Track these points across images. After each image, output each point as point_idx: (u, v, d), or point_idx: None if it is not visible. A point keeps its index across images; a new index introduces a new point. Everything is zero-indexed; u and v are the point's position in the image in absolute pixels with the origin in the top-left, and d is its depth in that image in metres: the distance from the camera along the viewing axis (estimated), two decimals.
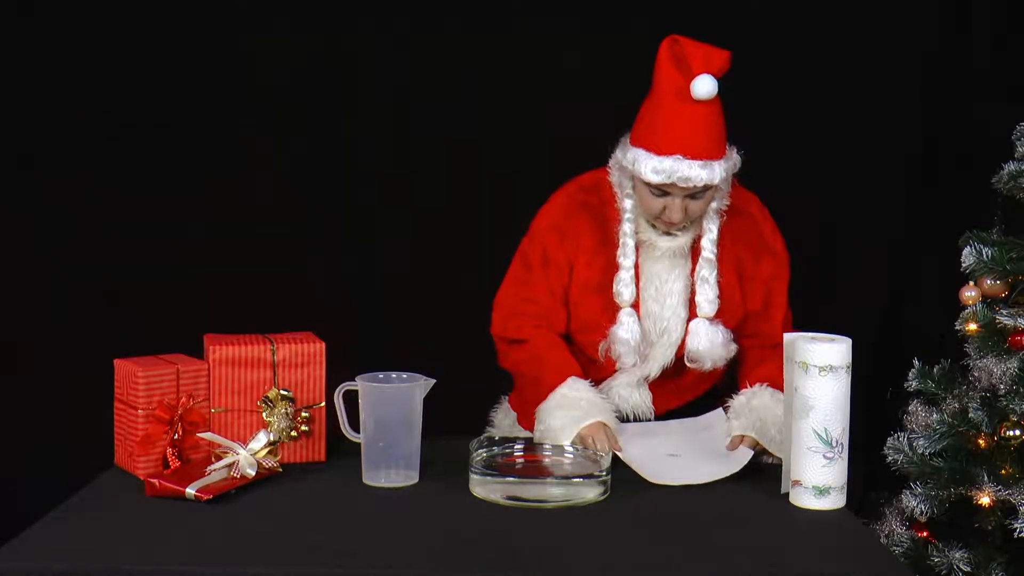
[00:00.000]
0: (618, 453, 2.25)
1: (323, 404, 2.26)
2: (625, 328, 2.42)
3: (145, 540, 1.84)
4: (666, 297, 2.45)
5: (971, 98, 3.50)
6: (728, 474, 2.19)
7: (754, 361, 2.48)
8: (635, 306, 2.44)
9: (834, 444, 2.01)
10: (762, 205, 2.58)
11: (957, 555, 2.76)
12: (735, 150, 2.42)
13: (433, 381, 2.17)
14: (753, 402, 2.35)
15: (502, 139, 3.46)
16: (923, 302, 3.50)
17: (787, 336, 2.11)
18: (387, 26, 3.53)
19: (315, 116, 3.55)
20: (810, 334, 2.08)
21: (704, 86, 2.28)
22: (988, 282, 2.87)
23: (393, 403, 2.12)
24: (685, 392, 2.52)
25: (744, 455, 2.25)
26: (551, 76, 3.42)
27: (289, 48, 3.52)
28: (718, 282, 2.43)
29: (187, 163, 3.54)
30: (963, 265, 2.85)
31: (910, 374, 2.95)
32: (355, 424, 2.16)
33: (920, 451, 2.80)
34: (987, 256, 2.81)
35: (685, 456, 2.30)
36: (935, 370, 2.93)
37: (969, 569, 2.74)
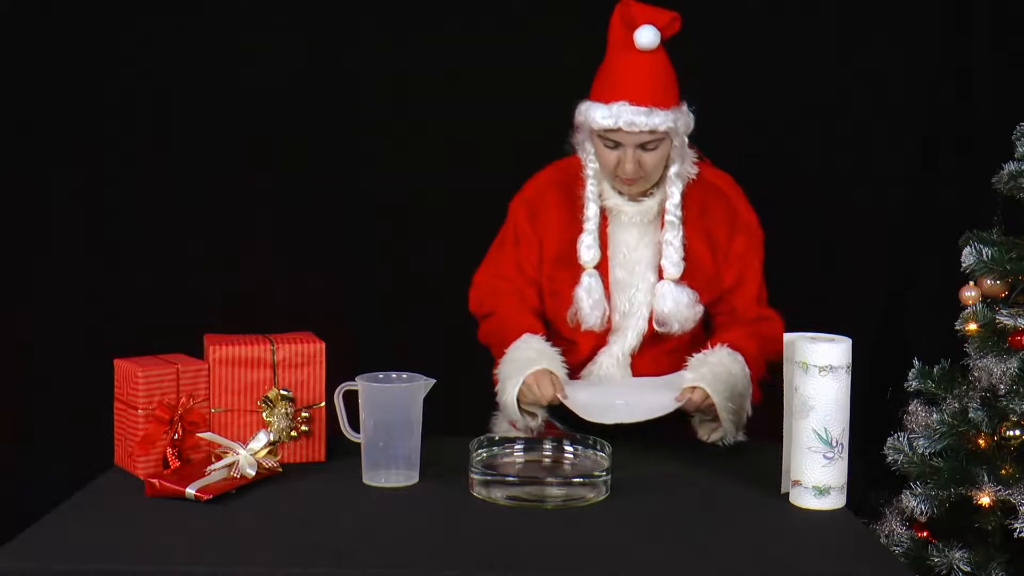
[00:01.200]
0: (561, 399, 2.34)
1: (323, 404, 2.26)
2: (585, 287, 2.48)
3: (145, 540, 1.84)
4: (634, 264, 2.51)
5: (971, 98, 3.50)
6: (660, 414, 2.28)
7: (721, 329, 2.52)
8: (603, 272, 2.50)
9: (834, 444, 2.01)
10: (734, 182, 2.62)
11: (957, 555, 2.76)
12: (687, 107, 2.48)
13: (433, 381, 2.17)
14: (709, 358, 2.39)
15: (502, 139, 3.47)
16: (923, 302, 3.50)
17: (787, 336, 2.11)
18: (387, 26, 3.53)
19: (315, 116, 3.56)
20: (810, 334, 2.07)
21: (646, 35, 2.39)
22: (988, 282, 2.87)
23: (393, 403, 2.12)
24: (666, 370, 2.53)
25: (671, 404, 2.31)
26: (552, 76, 3.42)
27: (289, 48, 3.52)
28: (683, 245, 2.48)
29: (187, 163, 3.54)
30: (963, 265, 2.85)
31: (910, 374, 2.95)
32: (355, 424, 2.16)
33: (920, 451, 2.80)
34: (987, 256, 2.81)
35: (630, 402, 2.36)
36: (935, 370, 2.93)
37: (969, 569, 2.74)
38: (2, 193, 3.50)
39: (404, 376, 2.18)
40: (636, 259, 2.51)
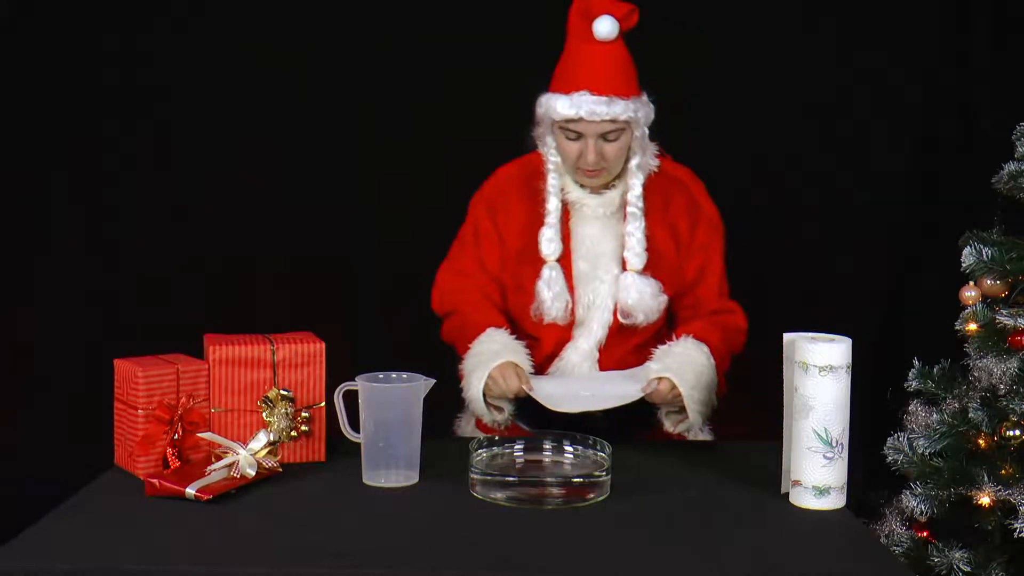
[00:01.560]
0: (527, 390, 2.34)
1: (323, 404, 2.26)
2: (545, 279, 2.48)
3: (145, 540, 1.84)
4: (598, 257, 2.50)
5: (971, 98, 3.51)
6: (627, 401, 2.29)
7: (684, 322, 2.52)
8: (566, 266, 2.50)
9: (834, 444, 2.01)
10: (695, 176, 2.61)
11: (957, 555, 2.76)
12: (647, 98, 2.48)
13: (433, 381, 2.17)
14: (674, 349, 2.39)
15: (503, 139, 3.46)
16: (923, 302, 3.50)
17: (787, 336, 2.11)
18: (387, 26, 3.53)
19: (315, 116, 3.56)
20: (810, 334, 2.07)
21: (604, 25, 2.40)
22: (988, 282, 2.87)
23: (393, 403, 2.12)
24: (633, 365, 2.52)
25: (636, 393, 2.32)
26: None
27: (289, 48, 3.53)
28: (646, 236, 2.48)
29: (187, 163, 3.54)
30: (963, 265, 2.85)
31: (910, 374, 2.95)
32: (355, 424, 2.16)
33: (920, 451, 2.80)
34: (987, 256, 2.81)
35: (595, 392, 2.37)
36: (935, 370, 2.93)
37: (969, 569, 2.74)
38: (2, 193, 3.50)
39: (404, 376, 2.18)
40: (600, 252, 2.51)
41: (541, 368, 2.53)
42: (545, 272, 2.49)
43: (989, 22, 3.48)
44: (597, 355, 2.51)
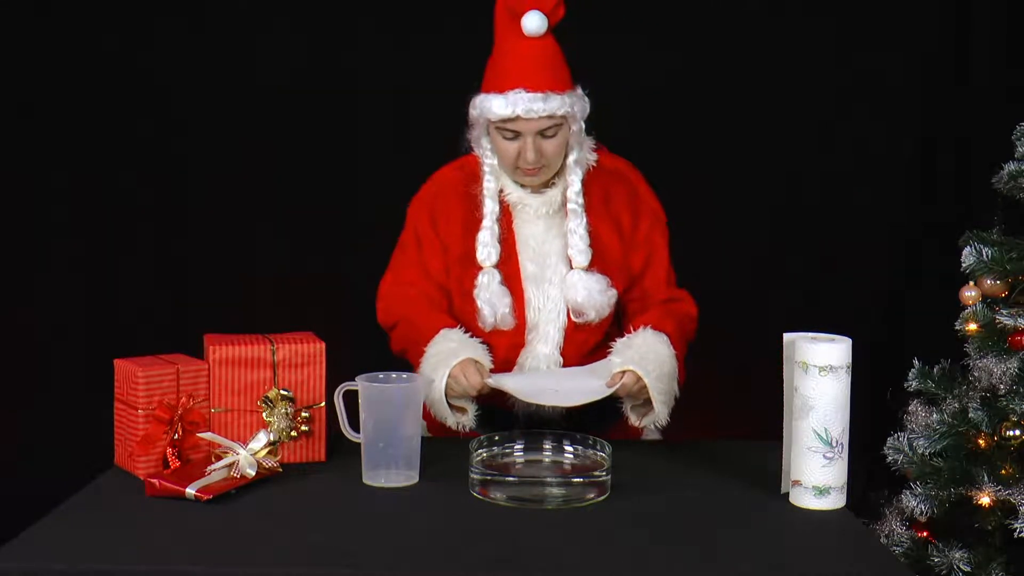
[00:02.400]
0: (489, 383, 2.30)
1: (323, 404, 2.26)
2: (483, 286, 2.43)
3: (145, 540, 1.84)
4: (545, 257, 2.46)
5: (971, 98, 3.51)
6: (594, 398, 2.27)
7: (637, 314, 2.47)
8: (514, 268, 2.45)
9: (834, 444, 2.01)
10: (633, 167, 2.56)
11: (957, 555, 2.76)
12: (582, 91, 2.42)
13: (433, 381, 2.17)
14: (634, 340, 2.35)
15: None
16: (923, 302, 3.51)
17: (787, 336, 2.10)
18: (388, 26, 3.53)
19: (315, 116, 3.56)
20: (810, 334, 2.07)
21: (533, 21, 2.35)
22: (988, 282, 2.87)
23: (393, 403, 2.12)
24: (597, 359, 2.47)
25: (603, 389, 2.30)
26: None
27: (289, 48, 3.53)
28: (588, 232, 2.44)
29: (187, 163, 3.54)
30: (963, 265, 2.85)
31: (910, 374, 2.95)
32: (355, 424, 2.16)
33: (920, 451, 2.80)
34: (987, 256, 2.81)
35: (560, 388, 2.33)
36: (935, 370, 2.93)
37: (969, 569, 2.74)
38: (2, 193, 3.50)
39: (404, 376, 2.18)
40: (546, 252, 2.46)
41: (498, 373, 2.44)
42: (481, 279, 2.43)
43: (989, 22, 3.48)
44: (559, 357, 2.46)
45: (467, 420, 2.36)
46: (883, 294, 3.62)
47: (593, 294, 2.42)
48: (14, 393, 3.53)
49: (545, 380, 2.39)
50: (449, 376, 2.31)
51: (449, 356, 2.32)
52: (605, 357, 2.38)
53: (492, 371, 2.37)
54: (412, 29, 3.53)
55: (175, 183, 3.55)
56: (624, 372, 2.30)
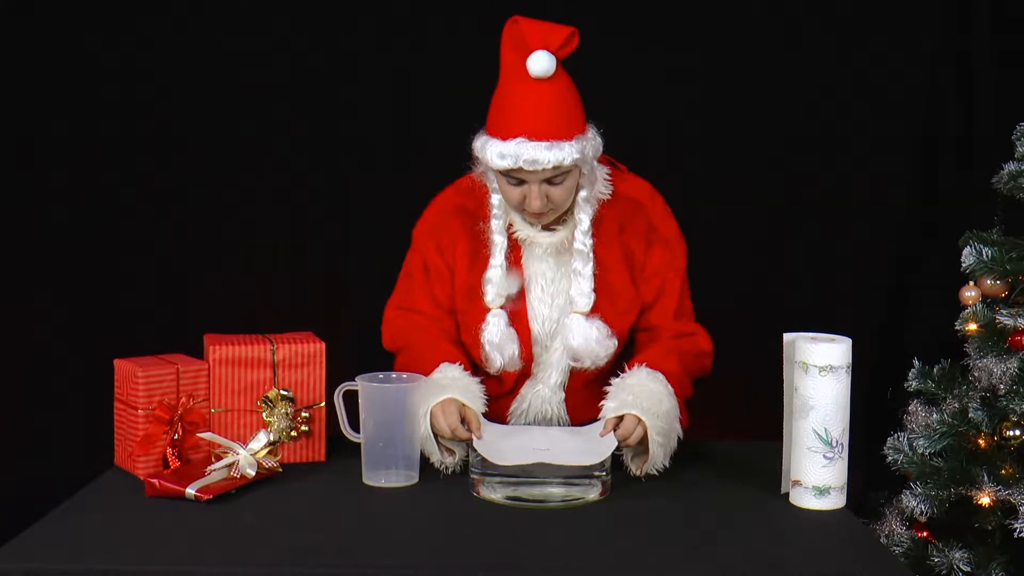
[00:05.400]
0: (464, 435, 2.14)
1: (323, 404, 2.26)
2: (490, 329, 2.31)
3: (145, 540, 1.84)
4: (553, 297, 2.35)
5: (971, 98, 3.51)
6: (592, 461, 2.07)
7: (640, 350, 2.36)
8: (522, 306, 2.34)
9: (834, 444, 2.01)
10: (654, 192, 2.42)
11: (957, 555, 2.76)
12: (594, 130, 2.27)
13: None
14: (628, 380, 2.22)
15: None
16: (923, 302, 3.50)
17: (787, 336, 2.11)
18: (387, 26, 3.53)
19: (315, 116, 3.55)
20: (810, 334, 2.07)
21: (539, 62, 2.16)
22: (988, 282, 2.87)
23: (393, 403, 2.12)
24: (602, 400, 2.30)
25: (608, 444, 2.12)
26: None
27: (289, 48, 3.52)
28: (593, 275, 2.31)
29: (187, 163, 3.54)
30: (963, 265, 2.85)
31: (910, 374, 2.95)
32: (355, 424, 2.16)
33: (920, 451, 2.80)
34: (987, 256, 2.81)
35: (553, 449, 2.15)
36: (935, 370, 2.93)
37: (969, 569, 2.74)
38: (2, 193, 3.50)
39: (404, 376, 2.18)
40: (556, 291, 2.34)
41: (502, 406, 2.37)
42: (490, 319, 2.32)
43: (989, 22, 3.48)
44: (563, 395, 2.37)
45: (451, 462, 2.21)
46: (883, 294, 3.62)
47: (590, 342, 2.30)
48: (14, 393, 3.53)
49: (535, 439, 2.21)
50: (430, 414, 2.17)
51: (437, 392, 2.19)
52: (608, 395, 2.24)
53: (487, 408, 2.26)
54: (414, 29, 3.52)
55: (175, 183, 3.55)
56: (620, 418, 2.16)
